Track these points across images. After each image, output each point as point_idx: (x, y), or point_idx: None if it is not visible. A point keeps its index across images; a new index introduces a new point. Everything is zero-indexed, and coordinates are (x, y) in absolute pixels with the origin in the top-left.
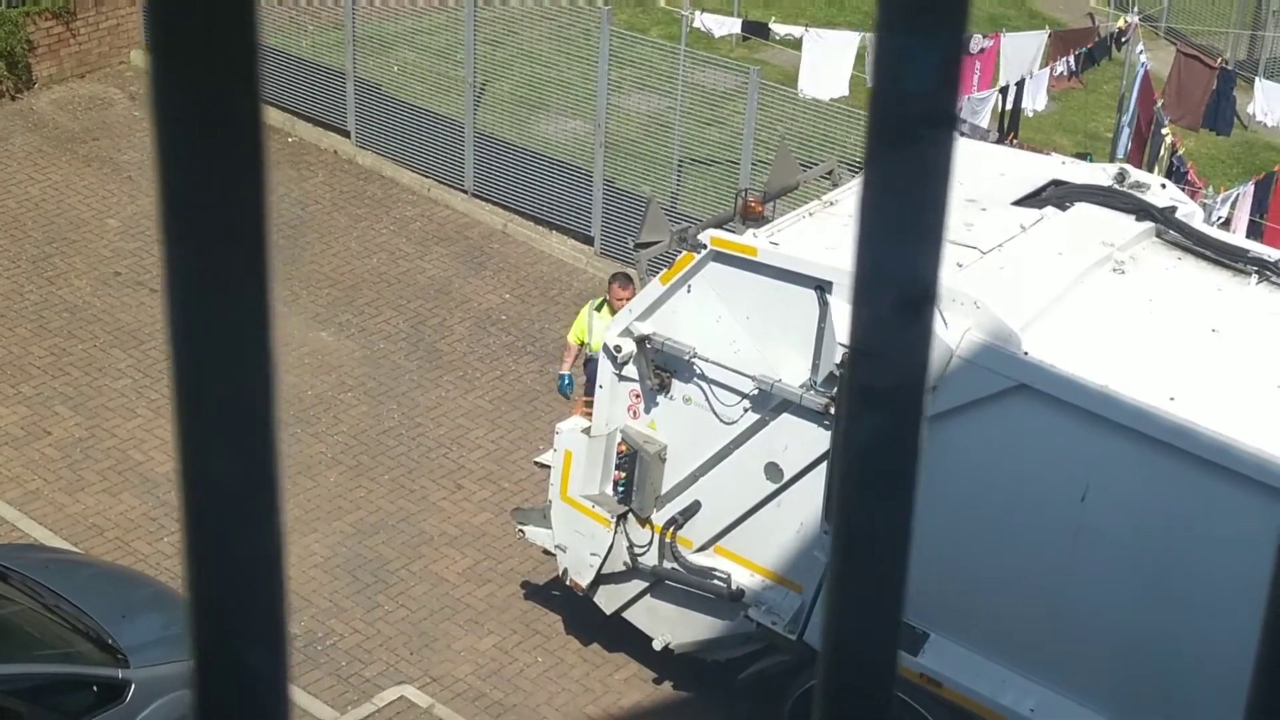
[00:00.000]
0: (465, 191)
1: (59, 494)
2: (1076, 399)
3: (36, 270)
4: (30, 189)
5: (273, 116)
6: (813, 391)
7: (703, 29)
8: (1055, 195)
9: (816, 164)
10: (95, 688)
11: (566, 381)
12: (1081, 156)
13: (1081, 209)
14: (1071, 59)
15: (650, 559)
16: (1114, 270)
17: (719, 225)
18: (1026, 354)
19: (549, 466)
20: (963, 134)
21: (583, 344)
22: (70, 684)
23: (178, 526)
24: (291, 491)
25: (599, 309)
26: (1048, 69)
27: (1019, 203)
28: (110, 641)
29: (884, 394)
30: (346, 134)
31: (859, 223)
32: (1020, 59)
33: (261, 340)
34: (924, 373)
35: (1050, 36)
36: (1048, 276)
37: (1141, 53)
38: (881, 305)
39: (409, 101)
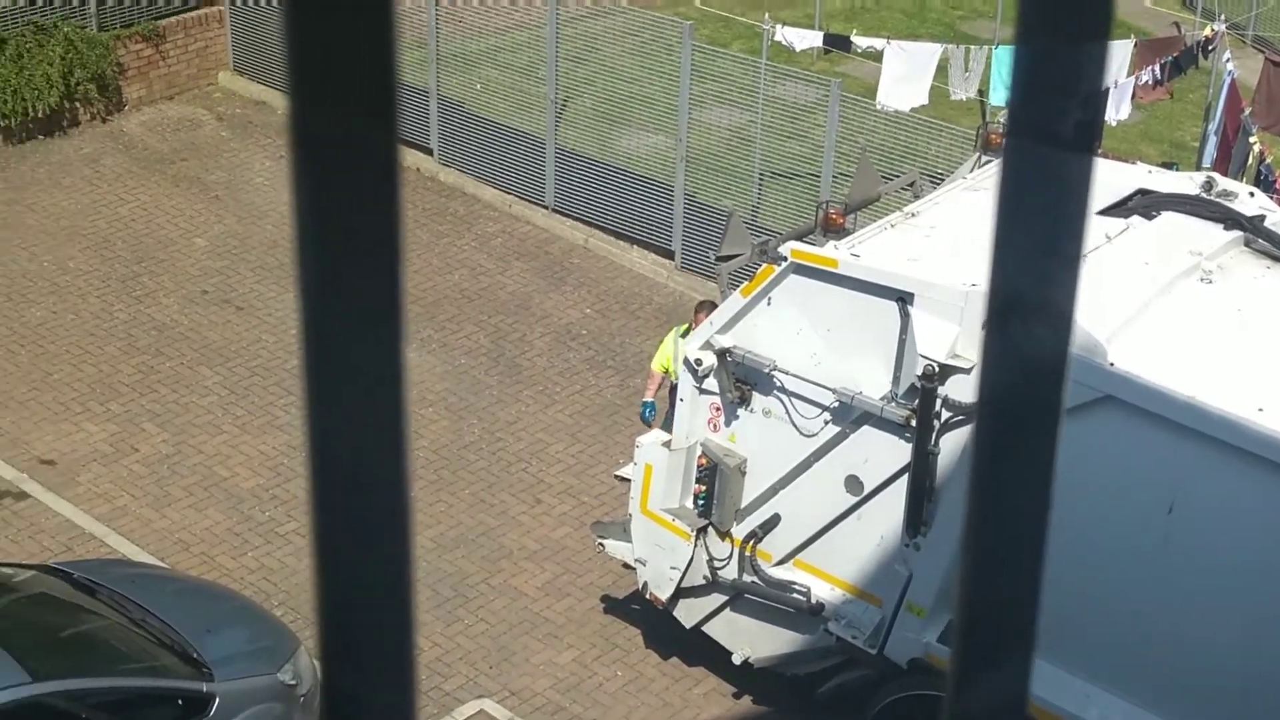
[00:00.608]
0: (546, 207)
1: (146, 509)
2: (1163, 410)
3: (125, 289)
4: (120, 209)
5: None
6: (894, 404)
7: (784, 43)
8: (1141, 204)
9: (898, 176)
10: (180, 701)
11: (651, 410)
12: (1168, 166)
13: (1168, 218)
14: (1157, 68)
15: (730, 572)
16: (1201, 280)
17: (800, 238)
18: (1112, 365)
19: (629, 480)
20: None
21: (667, 372)
22: (156, 697)
23: (261, 541)
24: None
25: (685, 336)
26: (1133, 78)
27: (1104, 212)
28: (195, 655)
29: (1018, 418)
30: (429, 151)
31: (995, 236)
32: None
33: (394, 375)
34: (1060, 397)
35: (1136, 46)
36: (1134, 286)
37: (1228, 61)
38: (1017, 323)
39: (491, 119)
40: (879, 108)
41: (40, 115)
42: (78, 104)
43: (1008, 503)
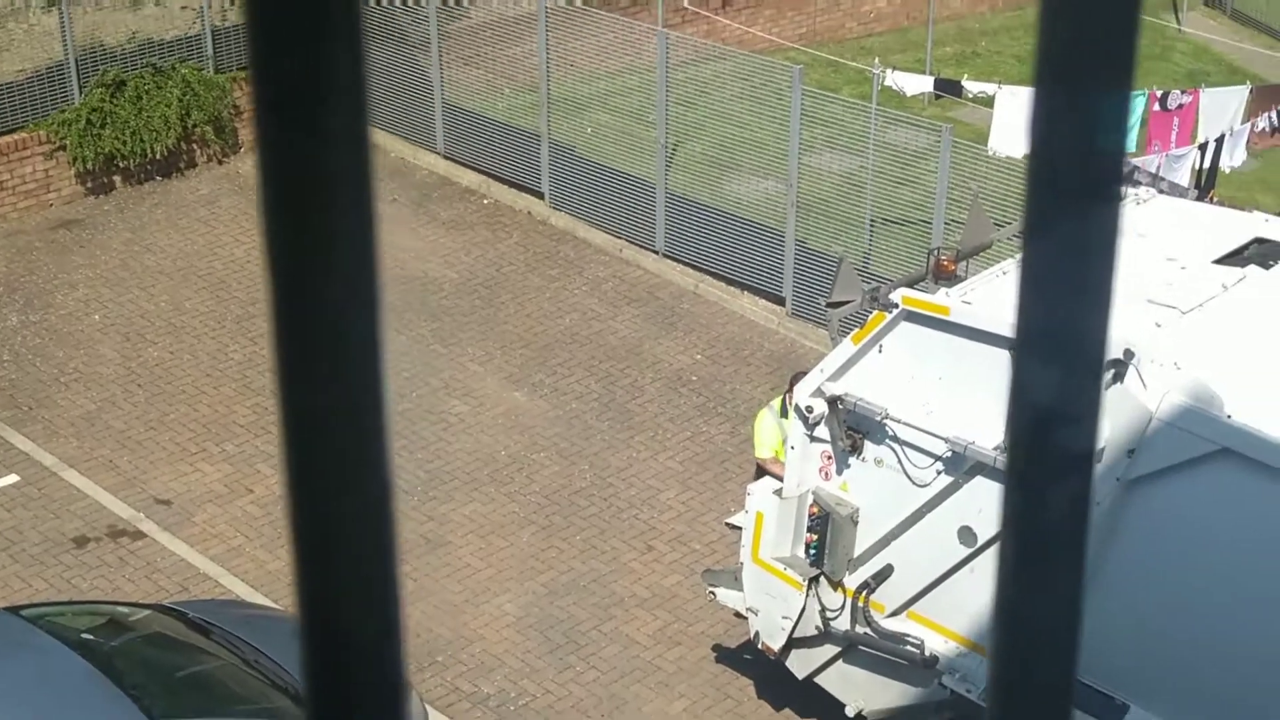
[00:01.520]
0: (656, 252)
1: (260, 551)
2: None
3: (240, 330)
4: (235, 250)
5: (469, 178)
6: (1007, 454)
7: (894, 88)
8: (1258, 253)
9: (1010, 222)
10: None
11: None
12: None
13: None
14: (1274, 115)
15: (843, 623)
16: None
17: (911, 284)
18: (1229, 416)
19: (740, 528)
20: (1161, 191)
21: (777, 455)
22: None
23: None
24: (485, 551)
25: (785, 415)
26: (1248, 125)
27: (1220, 261)
28: None
29: (1050, 461)
30: (540, 195)
31: (1021, 283)
32: (1220, 115)
33: (374, 386)
34: (1093, 439)
35: (1251, 92)
36: (1252, 336)
37: None
38: (1047, 368)
39: (601, 163)
40: (991, 153)
41: (158, 157)
42: (195, 146)
43: (1041, 558)
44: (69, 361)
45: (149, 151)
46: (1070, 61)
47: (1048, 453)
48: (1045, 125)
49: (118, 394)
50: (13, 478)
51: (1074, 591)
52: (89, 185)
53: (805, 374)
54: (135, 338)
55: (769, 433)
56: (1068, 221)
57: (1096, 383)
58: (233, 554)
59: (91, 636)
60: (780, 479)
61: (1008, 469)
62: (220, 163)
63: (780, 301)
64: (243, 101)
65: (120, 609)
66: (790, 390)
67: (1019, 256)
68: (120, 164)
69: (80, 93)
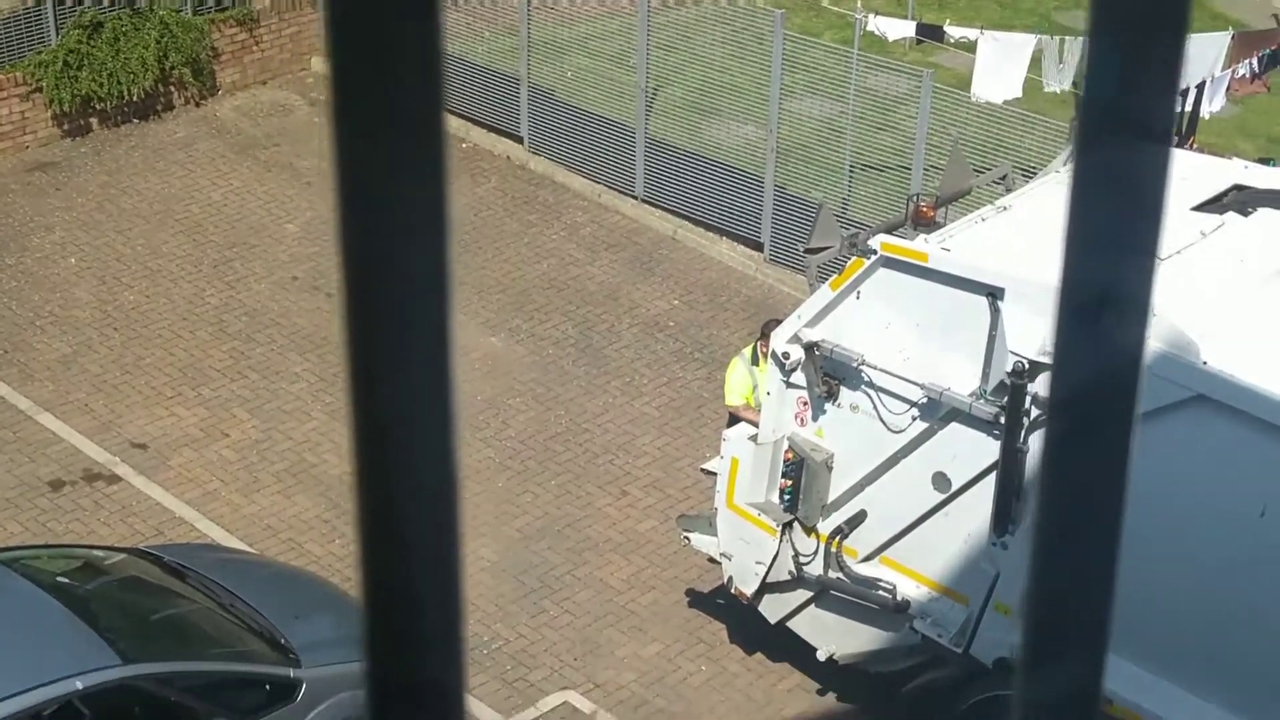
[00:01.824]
0: (635, 197)
1: (235, 495)
2: (1257, 410)
3: (217, 274)
4: (212, 194)
5: (447, 122)
6: (982, 400)
7: (876, 32)
8: (1237, 201)
9: (990, 168)
10: (268, 686)
11: None
12: (1264, 161)
13: (1265, 215)
14: (1255, 61)
15: (815, 568)
16: None
17: (890, 231)
18: (1205, 363)
19: (715, 473)
20: None
21: (748, 403)
22: (243, 682)
23: (350, 529)
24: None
25: (756, 363)
26: (1229, 71)
27: (1199, 208)
28: (283, 641)
29: (1090, 406)
30: (519, 139)
31: (1067, 229)
32: (1201, 61)
33: (441, 345)
34: (1136, 385)
35: (1233, 38)
36: (1229, 284)
37: None
38: (1088, 314)
39: (581, 107)
40: (972, 99)
41: (135, 99)
42: (172, 88)
43: (1080, 499)
44: (44, 305)
45: (126, 94)
46: (1125, 7)
47: (1090, 396)
48: (1097, 69)
49: (93, 337)
50: None
51: (1112, 535)
52: (65, 127)
53: (778, 322)
54: (111, 281)
55: (739, 380)
56: (1117, 162)
57: (1143, 320)
58: (208, 498)
59: (67, 580)
60: (752, 425)
61: (1049, 409)
62: (198, 105)
63: (758, 247)
64: (221, 44)
65: (95, 553)
66: (763, 338)
67: (1066, 196)
68: (97, 106)
69: (57, 34)
